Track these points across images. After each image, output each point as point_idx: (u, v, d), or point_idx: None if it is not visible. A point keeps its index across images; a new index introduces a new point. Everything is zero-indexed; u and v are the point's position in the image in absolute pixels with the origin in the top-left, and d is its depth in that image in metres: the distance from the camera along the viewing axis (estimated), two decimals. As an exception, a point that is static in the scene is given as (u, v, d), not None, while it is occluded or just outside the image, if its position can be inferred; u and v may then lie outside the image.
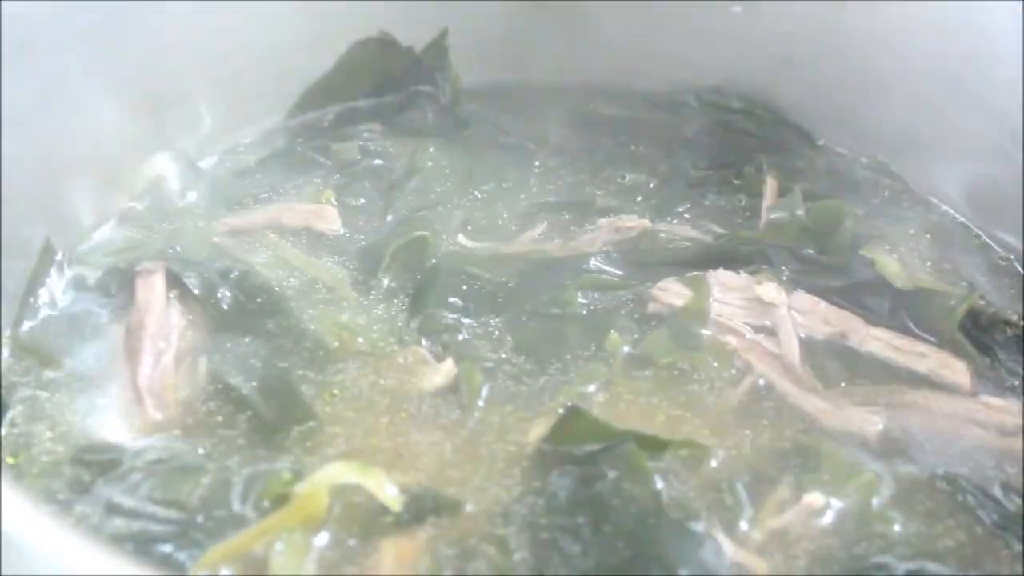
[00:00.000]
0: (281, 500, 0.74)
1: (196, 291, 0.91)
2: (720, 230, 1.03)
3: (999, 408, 0.87)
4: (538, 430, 0.82)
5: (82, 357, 0.88)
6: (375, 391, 0.86)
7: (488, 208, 1.06)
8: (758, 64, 1.17)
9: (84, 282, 0.94)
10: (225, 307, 0.91)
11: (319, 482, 0.74)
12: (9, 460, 0.78)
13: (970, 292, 0.94)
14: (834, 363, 0.90)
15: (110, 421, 0.82)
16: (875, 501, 0.79)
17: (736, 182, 1.10)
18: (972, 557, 0.77)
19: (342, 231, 1.02)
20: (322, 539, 0.73)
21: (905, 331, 0.93)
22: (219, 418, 0.83)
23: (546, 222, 1.04)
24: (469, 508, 0.76)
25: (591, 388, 0.86)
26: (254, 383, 0.85)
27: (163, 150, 1.05)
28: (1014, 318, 0.93)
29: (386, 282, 0.96)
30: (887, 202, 1.10)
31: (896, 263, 0.94)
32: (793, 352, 0.89)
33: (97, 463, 0.78)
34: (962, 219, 1.08)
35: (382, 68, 1.17)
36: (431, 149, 1.12)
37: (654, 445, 0.80)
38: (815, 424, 0.85)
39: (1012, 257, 1.03)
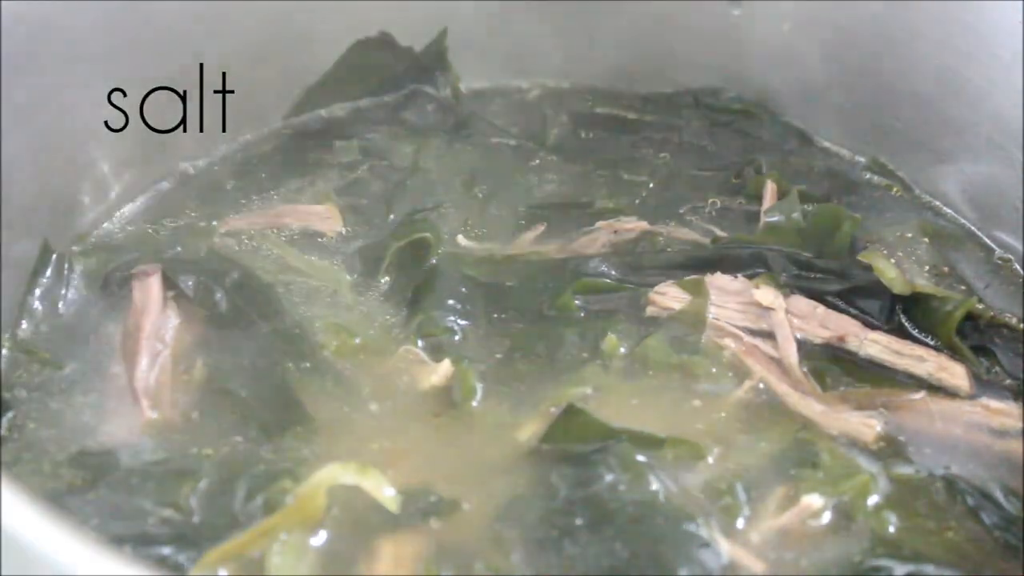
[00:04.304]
0: (279, 501, 0.74)
1: (191, 293, 0.91)
2: (719, 232, 1.02)
3: (998, 411, 0.87)
4: (529, 429, 0.82)
5: (80, 358, 0.88)
6: (373, 392, 0.86)
7: (487, 209, 1.06)
8: (757, 65, 1.17)
9: (82, 283, 0.94)
10: (223, 308, 0.91)
11: (317, 483, 0.74)
12: (8, 460, 0.79)
13: (968, 296, 0.94)
14: (832, 367, 0.89)
15: (108, 422, 0.83)
16: (873, 503, 0.79)
17: (735, 182, 1.10)
18: (971, 559, 0.77)
19: (343, 231, 1.02)
20: (320, 540, 0.74)
21: (903, 334, 0.92)
22: (216, 419, 0.83)
23: (545, 223, 1.03)
24: (467, 508, 0.77)
25: (588, 390, 0.86)
26: (251, 384, 0.85)
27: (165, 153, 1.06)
28: (1013, 321, 0.93)
29: (385, 283, 0.96)
30: (886, 203, 1.09)
31: (894, 269, 0.94)
32: (791, 356, 0.89)
33: (95, 464, 0.78)
34: (962, 220, 1.07)
35: (382, 68, 1.17)
36: (432, 149, 1.12)
37: (650, 443, 0.80)
38: (813, 427, 0.85)
39: (1012, 258, 1.03)
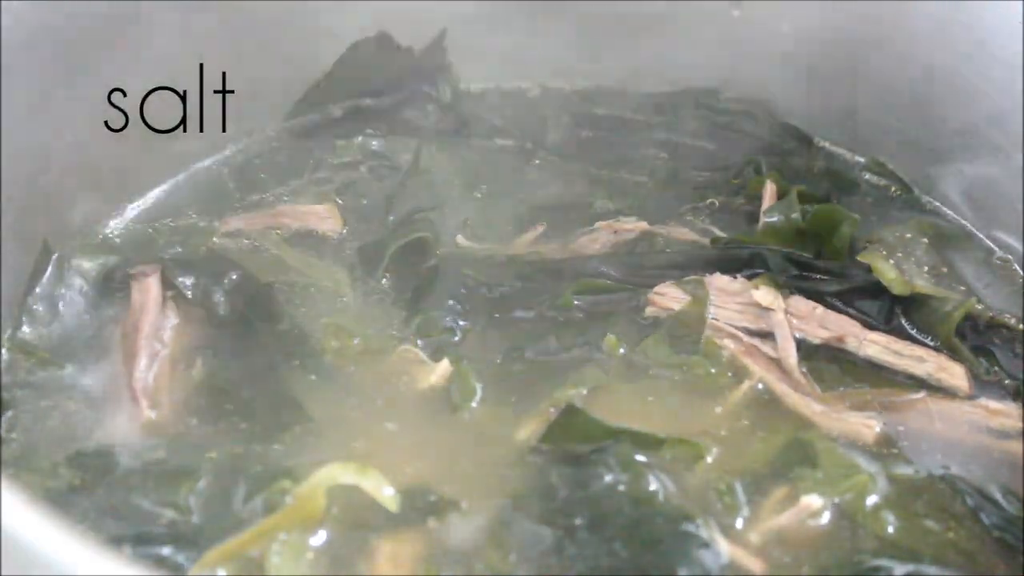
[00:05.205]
0: (278, 501, 0.74)
1: (189, 293, 0.91)
2: (719, 232, 1.03)
3: (998, 411, 0.87)
4: (529, 429, 0.83)
5: (80, 358, 0.88)
6: (372, 392, 0.86)
7: (487, 209, 1.06)
8: (757, 65, 1.17)
9: (82, 283, 0.94)
10: (222, 308, 0.91)
11: (316, 483, 0.74)
12: (7, 460, 0.79)
13: (968, 296, 0.94)
14: (832, 367, 0.90)
15: (107, 422, 0.83)
16: (873, 503, 0.79)
17: (735, 182, 1.10)
18: (971, 559, 0.77)
19: (343, 231, 1.02)
20: (319, 540, 0.73)
21: (903, 335, 0.93)
22: (215, 419, 0.83)
23: (545, 224, 1.04)
24: (466, 508, 0.76)
25: (587, 391, 0.86)
26: (250, 384, 0.85)
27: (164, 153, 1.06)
28: (1012, 321, 0.93)
29: (385, 283, 0.96)
30: (885, 203, 1.10)
31: (893, 269, 0.94)
32: (790, 356, 0.89)
33: (94, 464, 0.78)
34: (961, 220, 1.08)
35: (381, 68, 1.17)
36: (431, 150, 1.12)
37: (650, 443, 0.80)
38: (813, 427, 0.85)
39: (1011, 258, 1.03)
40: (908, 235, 1.02)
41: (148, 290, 0.90)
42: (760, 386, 0.88)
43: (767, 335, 0.91)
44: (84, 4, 0.93)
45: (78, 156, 0.97)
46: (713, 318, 0.92)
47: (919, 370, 0.89)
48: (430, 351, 0.89)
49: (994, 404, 0.87)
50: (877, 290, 0.94)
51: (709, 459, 0.81)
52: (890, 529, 0.78)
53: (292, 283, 0.96)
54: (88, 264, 0.95)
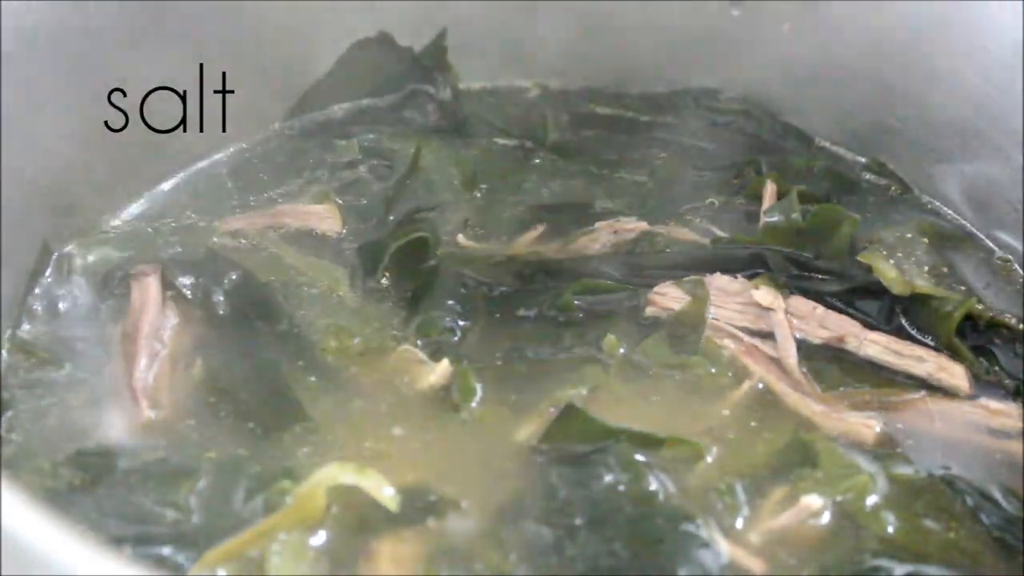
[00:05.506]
0: (278, 501, 0.74)
1: (189, 294, 0.91)
2: (719, 232, 1.03)
3: (998, 411, 0.87)
4: (529, 429, 0.83)
5: (80, 358, 0.88)
6: (372, 392, 0.86)
7: (487, 209, 1.06)
8: (757, 65, 1.17)
9: (82, 283, 0.94)
10: (222, 308, 0.91)
11: (316, 483, 0.74)
12: (7, 460, 0.79)
13: (968, 296, 0.94)
14: (832, 367, 0.90)
15: (108, 422, 0.83)
16: (873, 503, 0.79)
17: (736, 182, 1.10)
18: (971, 559, 0.77)
19: (343, 231, 1.02)
20: (319, 540, 0.73)
21: (903, 335, 0.93)
22: (215, 419, 0.82)
23: (545, 223, 1.03)
24: (466, 508, 0.76)
25: (587, 390, 0.86)
26: (250, 384, 0.85)
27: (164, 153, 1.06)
28: (1012, 321, 0.93)
29: (385, 283, 0.96)
30: (885, 203, 1.10)
31: (893, 269, 0.94)
32: (790, 356, 0.89)
33: (94, 464, 0.78)
34: (961, 220, 1.08)
35: (382, 68, 1.17)
36: (431, 149, 1.11)
37: (650, 443, 0.80)
38: (813, 427, 0.85)
39: (1012, 258, 1.03)
40: (908, 235, 1.02)
41: (148, 290, 0.90)
42: (760, 386, 0.88)
43: (767, 335, 0.91)
44: (84, 4, 0.93)
45: (78, 156, 0.97)
46: (713, 318, 0.92)
47: (919, 370, 0.89)
48: (430, 351, 0.89)
49: (994, 404, 0.87)
50: (877, 290, 0.94)
51: (709, 459, 0.81)
52: (890, 529, 0.77)
53: (292, 283, 0.96)
54: (88, 264, 0.95)
